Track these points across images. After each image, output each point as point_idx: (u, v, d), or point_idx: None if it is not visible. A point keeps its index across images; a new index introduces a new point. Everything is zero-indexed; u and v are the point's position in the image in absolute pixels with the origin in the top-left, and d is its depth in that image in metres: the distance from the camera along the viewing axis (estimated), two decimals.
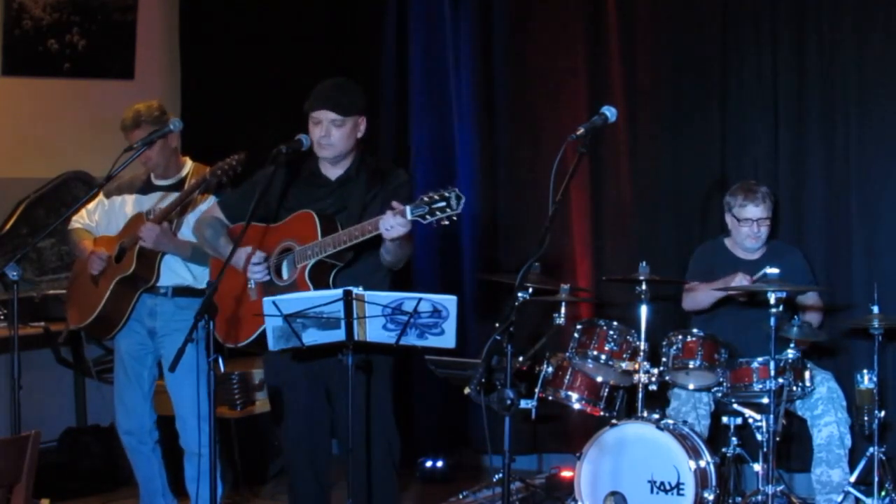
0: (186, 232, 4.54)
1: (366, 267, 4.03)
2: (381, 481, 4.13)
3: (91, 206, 4.75)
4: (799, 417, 4.79)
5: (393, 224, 3.68)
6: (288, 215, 4.08)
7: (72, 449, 5.73)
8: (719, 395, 4.71)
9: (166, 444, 4.76)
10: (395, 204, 3.69)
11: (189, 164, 4.68)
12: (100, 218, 4.73)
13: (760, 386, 4.52)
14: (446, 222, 3.61)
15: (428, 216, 3.59)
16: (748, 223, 4.85)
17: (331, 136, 4.03)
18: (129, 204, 4.65)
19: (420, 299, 3.63)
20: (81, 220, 4.76)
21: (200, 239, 4.29)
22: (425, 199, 3.60)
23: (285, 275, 4.03)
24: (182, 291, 4.58)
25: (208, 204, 4.57)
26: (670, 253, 5.43)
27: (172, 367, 3.74)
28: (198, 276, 4.59)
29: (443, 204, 3.57)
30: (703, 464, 4.40)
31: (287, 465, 4.39)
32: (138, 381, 4.66)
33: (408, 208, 3.63)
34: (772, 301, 4.33)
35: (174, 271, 4.55)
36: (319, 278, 3.92)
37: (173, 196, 4.52)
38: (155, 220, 4.43)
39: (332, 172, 4.14)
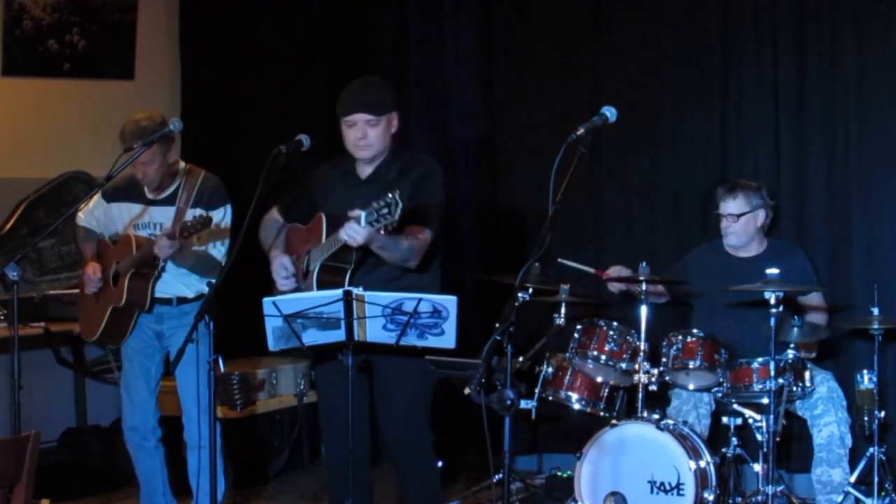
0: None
1: (391, 270, 3.99)
2: (412, 479, 4.19)
3: (92, 204, 4.75)
4: (799, 417, 4.78)
5: (350, 232, 3.66)
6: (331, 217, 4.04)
7: (72, 449, 5.73)
8: (719, 395, 4.70)
9: (169, 444, 4.77)
10: (351, 213, 3.66)
11: (181, 176, 4.62)
12: (100, 216, 4.74)
13: (760, 386, 4.51)
14: (390, 228, 3.60)
15: (375, 223, 3.57)
16: (723, 218, 4.88)
17: (367, 137, 4.00)
18: (123, 211, 4.66)
19: (420, 299, 3.63)
20: (87, 218, 4.76)
21: (263, 240, 4.29)
22: (374, 205, 3.56)
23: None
24: (186, 300, 4.63)
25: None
26: (670, 253, 5.42)
27: (172, 368, 3.75)
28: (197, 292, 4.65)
29: (385, 211, 3.54)
30: (703, 464, 4.39)
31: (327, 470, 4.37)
32: (145, 376, 4.67)
33: (363, 215, 3.60)
34: (772, 301, 4.33)
35: (172, 289, 4.60)
36: (330, 281, 3.88)
37: (164, 210, 4.54)
38: (168, 234, 4.40)
39: (365, 171, 4.11)
